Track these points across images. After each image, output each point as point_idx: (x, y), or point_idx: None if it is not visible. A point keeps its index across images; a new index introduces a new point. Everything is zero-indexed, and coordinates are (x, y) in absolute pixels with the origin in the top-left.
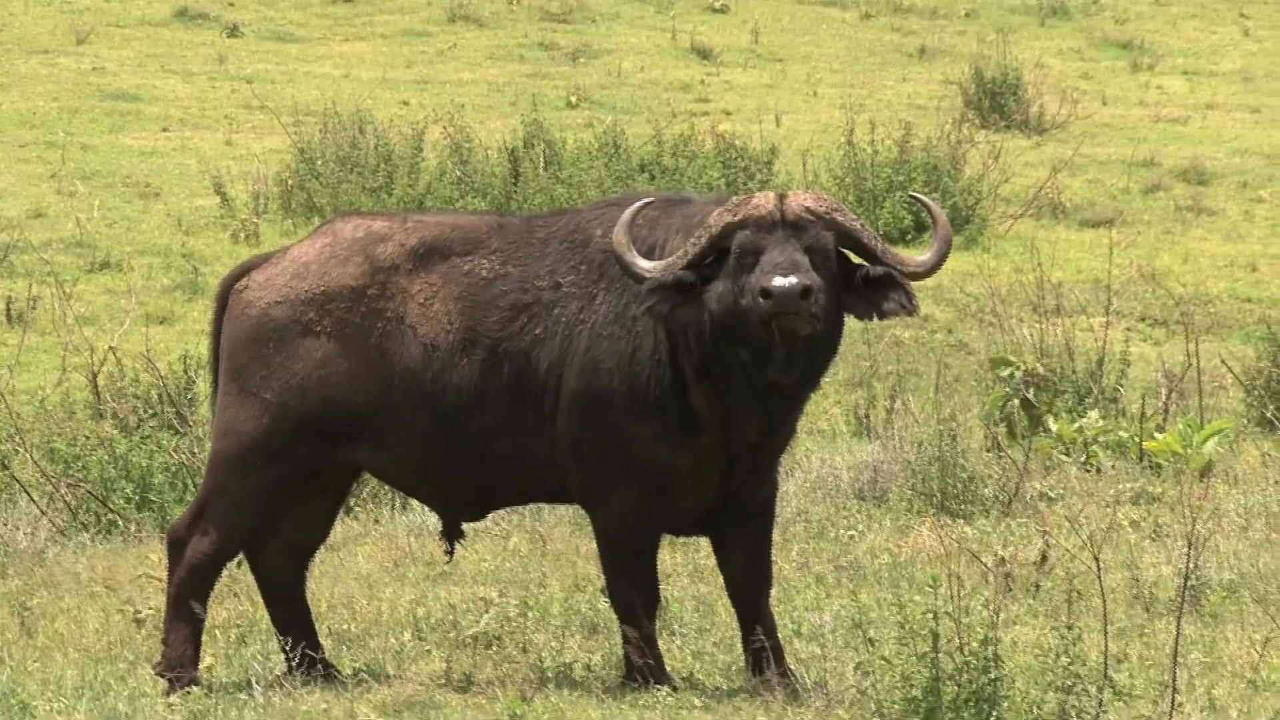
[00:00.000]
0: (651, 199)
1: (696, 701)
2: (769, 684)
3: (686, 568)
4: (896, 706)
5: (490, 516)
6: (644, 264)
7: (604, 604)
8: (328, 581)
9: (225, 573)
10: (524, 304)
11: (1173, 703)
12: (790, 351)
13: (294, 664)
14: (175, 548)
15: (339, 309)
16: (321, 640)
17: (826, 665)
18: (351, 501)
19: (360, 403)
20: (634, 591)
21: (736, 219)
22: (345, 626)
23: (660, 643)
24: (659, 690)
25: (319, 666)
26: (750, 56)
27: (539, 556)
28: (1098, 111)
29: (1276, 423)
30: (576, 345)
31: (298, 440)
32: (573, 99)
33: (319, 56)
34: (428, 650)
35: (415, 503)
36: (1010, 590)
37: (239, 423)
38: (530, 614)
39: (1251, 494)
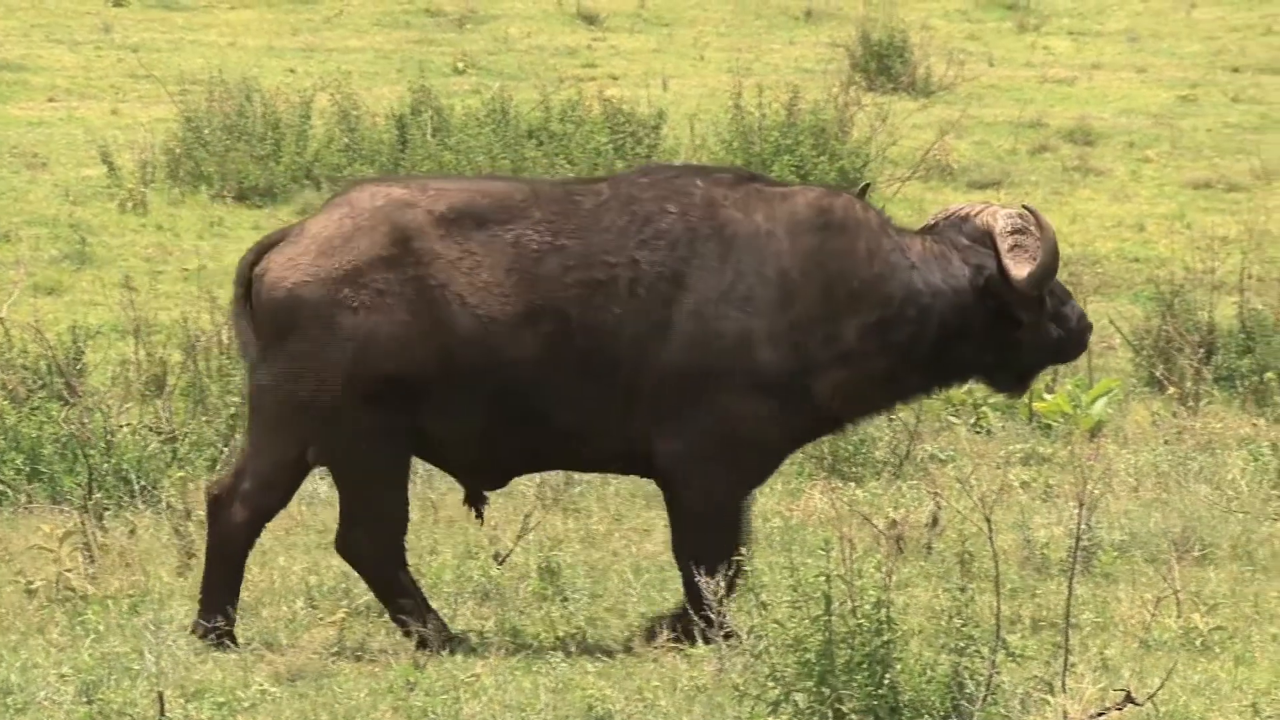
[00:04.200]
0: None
1: (590, 667)
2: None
3: (578, 533)
4: (790, 670)
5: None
6: (1018, 273)
7: (496, 571)
8: None
9: (119, 543)
10: (597, 281)
11: (1065, 663)
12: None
13: (204, 625)
14: (353, 556)
15: (374, 281)
16: None
17: (719, 630)
18: None
19: (414, 373)
20: (722, 566)
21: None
22: None
23: (552, 609)
24: (552, 656)
25: (221, 635)
26: (637, 21)
27: (430, 524)
28: (984, 73)
29: (1165, 382)
30: (675, 326)
31: (378, 411)
32: (460, 65)
33: (205, 25)
34: (321, 619)
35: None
36: (902, 552)
37: (322, 410)
38: (422, 582)
39: (1141, 454)
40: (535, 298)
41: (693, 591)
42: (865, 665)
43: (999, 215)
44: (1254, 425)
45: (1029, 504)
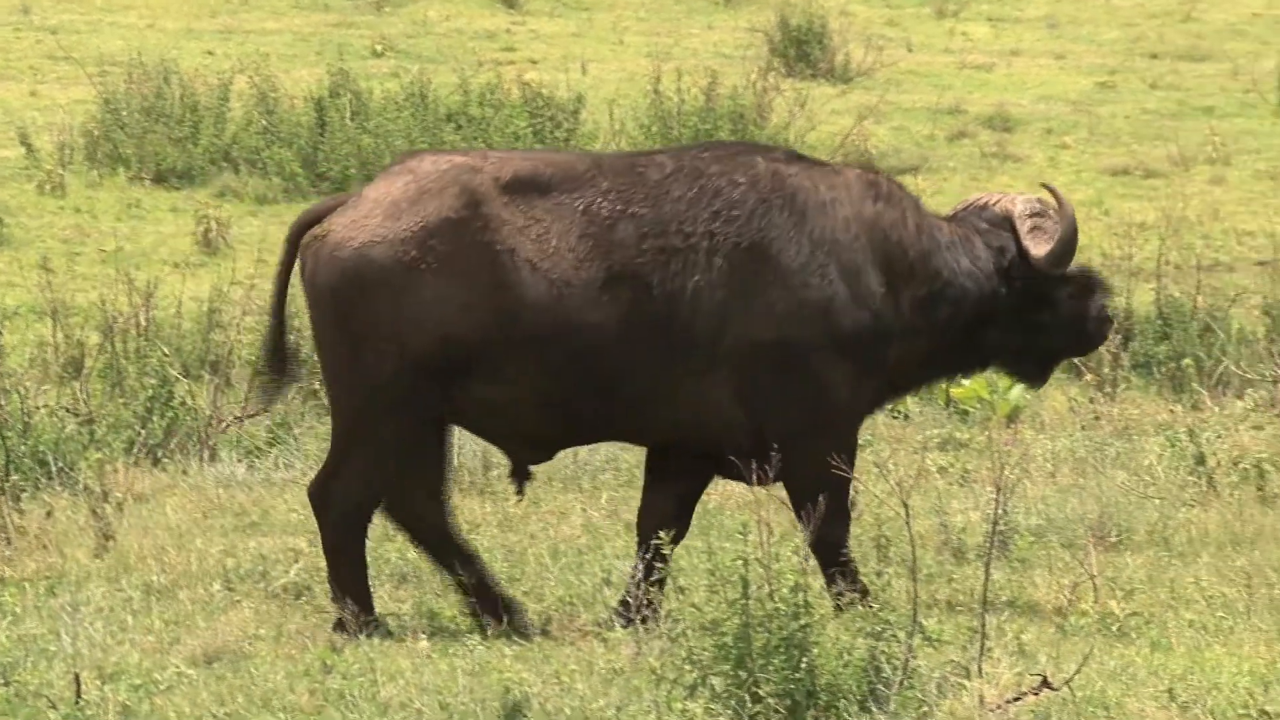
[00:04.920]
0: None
1: (507, 650)
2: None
3: (496, 517)
4: (707, 653)
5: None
6: (1038, 252)
7: (413, 554)
8: (136, 533)
9: (35, 525)
10: (675, 249)
11: (982, 648)
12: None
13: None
14: (321, 502)
15: (441, 244)
16: (130, 592)
17: (638, 613)
18: (159, 453)
19: (478, 336)
20: (842, 528)
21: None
22: (154, 578)
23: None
24: (469, 639)
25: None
26: (556, 5)
27: None
28: (903, 59)
29: (1083, 369)
30: (759, 296)
31: (422, 379)
32: (378, 48)
33: (124, 6)
34: (238, 601)
35: (224, 453)
36: None
37: (361, 370)
38: None
39: (1058, 439)
40: (611, 263)
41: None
42: (782, 649)
43: (1017, 200)
44: (1171, 411)
45: (946, 489)
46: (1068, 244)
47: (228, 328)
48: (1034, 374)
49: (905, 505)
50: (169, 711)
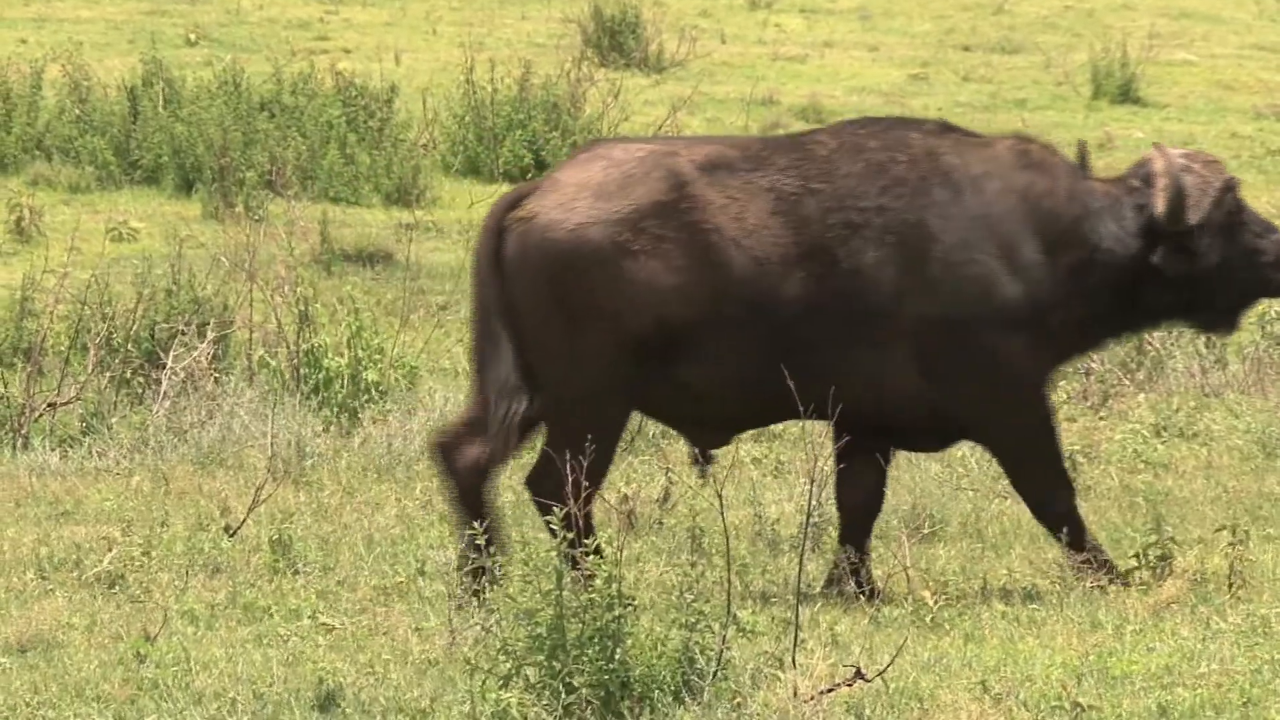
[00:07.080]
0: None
1: (321, 640)
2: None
3: (310, 506)
4: (521, 644)
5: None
6: (1159, 210)
7: (227, 543)
8: None
9: None
10: (856, 224)
11: (795, 639)
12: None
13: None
14: (541, 488)
15: (653, 225)
16: None
17: (452, 603)
18: None
19: (691, 315)
20: (1066, 490)
21: (1228, 177)
22: None
23: (284, 582)
24: (283, 628)
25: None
26: None
27: (161, 495)
28: (716, 50)
29: None
30: (928, 273)
31: (638, 360)
32: (192, 37)
33: None
34: (51, 590)
35: (37, 442)
36: (634, 528)
37: (580, 350)
38: (153, 554)
39: None
40: (801, 239)
41: (1065, 533)
42: (596, 640)
43: (1159, 156)
44: None
45: (760, 480)
46: (1174, 201)
47: (40, 315)
48: (1220, 324)
49: (720, 496)
50: None
